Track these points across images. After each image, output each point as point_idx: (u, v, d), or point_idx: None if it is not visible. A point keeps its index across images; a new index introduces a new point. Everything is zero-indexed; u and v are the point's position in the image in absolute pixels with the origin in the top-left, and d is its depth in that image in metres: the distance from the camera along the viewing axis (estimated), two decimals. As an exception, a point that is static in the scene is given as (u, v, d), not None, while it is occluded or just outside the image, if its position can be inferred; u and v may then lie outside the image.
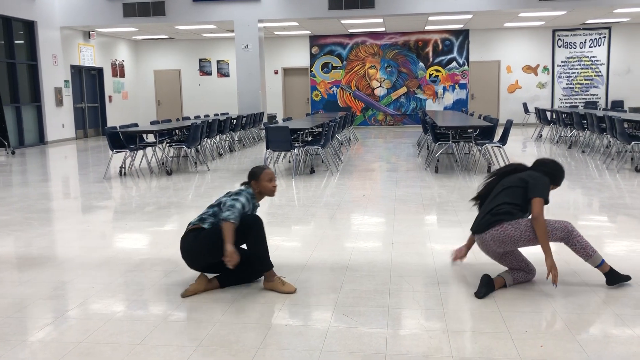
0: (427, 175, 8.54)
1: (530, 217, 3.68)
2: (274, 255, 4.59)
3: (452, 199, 6.73)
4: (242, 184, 3.93)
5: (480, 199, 4.01)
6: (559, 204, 6.42)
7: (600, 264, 3.68)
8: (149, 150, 11.89)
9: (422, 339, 3.02)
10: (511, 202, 3.72)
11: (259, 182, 3.88)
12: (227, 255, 3.55)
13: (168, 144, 10.19)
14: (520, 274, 3.79)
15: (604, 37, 18.50)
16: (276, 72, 20.09)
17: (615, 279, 3.72)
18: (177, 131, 10.90)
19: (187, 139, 9.84)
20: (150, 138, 11.08)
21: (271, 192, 3.91)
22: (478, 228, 3.79)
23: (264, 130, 11.18)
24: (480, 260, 4.34)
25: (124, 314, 3.42)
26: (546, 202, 3.65)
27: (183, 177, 8.92)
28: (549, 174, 3.81)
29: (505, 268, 3.93)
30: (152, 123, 11.82)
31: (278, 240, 5.03)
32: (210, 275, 3.92)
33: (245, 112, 15.40)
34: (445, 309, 3.41)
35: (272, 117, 18.06)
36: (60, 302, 3.64)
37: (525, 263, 3.81)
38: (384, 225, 5.58)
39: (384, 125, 19.66)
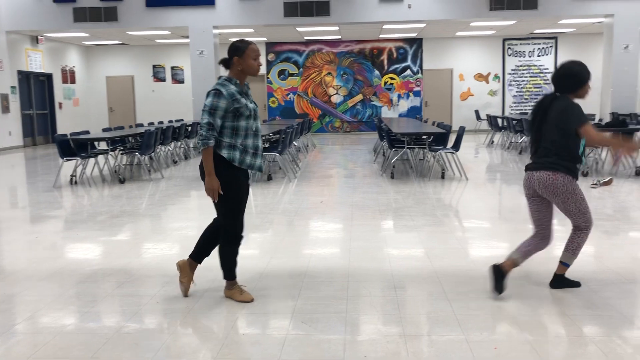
0: (384, 181, 8.63)
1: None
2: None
3: (408, 205, 6.82)
4: (220, 62, 3.58)
5: (535, 143, 3.79)
6: (510, 209, 6.58)
7: (566, 265, 3.80)
8: (101, 158, 11.60)
9: (379, 344, 3.04)
10: (557, 145, 3.61)
11: (242, 59, 3.48)
12: (205, 189, 3.45)
13: (121, 152, 9.97)
14: (531, 245, 3.75)
15: (551, 46, 19.16)
16: (232, 79, 19.95)
17: (562, 283, 3.84)
18: (130, 138, 10.68)
19: (140, 146, 9.65)
20: (103, 145, 10.82)
21: (255, 72, 3.55)
22: (530, 166, 3.72)
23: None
24: (434, 264, 4.40)
25: (75, 327, 3.31)
26: (587, 120, 3.54)
27: (136, 185, 8.74)
28: (570, 86, 3.67)
29: (511, 250, 3.90)
30: (104, 130, 11.54)
31: (235, 248, 4.98)
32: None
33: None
34: (402, 314, 3.44)
35: (228, 124, 17.88)
36: (7, 316, 3.50)
37: (548, 229, 3.76)
38: (342, 231, 5.61)
39: (341, 132, 19.79)
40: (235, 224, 3.59)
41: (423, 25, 15.74)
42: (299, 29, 16.13)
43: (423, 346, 3.00)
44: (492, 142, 14.81)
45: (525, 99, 19.42)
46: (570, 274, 3.98)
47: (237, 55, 3.48)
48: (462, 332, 3.16)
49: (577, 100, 3.69)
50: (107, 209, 6.94)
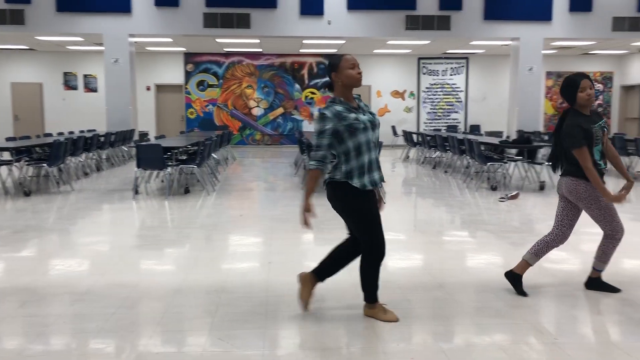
0: (301, 194, 8.66)
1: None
2: (146, 280, 4.37)
3: (327, 218, 6.87)
4: (323, 86, 3.42)
5: (557, 153, 4.03)
6: (425, 221, 6.79)
7: (598, 270, 4.12)
8: (4, 169, 10.88)
9: (298, 358, 3.02)
10: (571, 156, 3.85)
11: (339, 74, 3.34)
12: (300, 213, 3.31)
13: (26, 163, 9.40)
14: (542, 243, 4.01)
15: (463, 66, 20.10)
16: (148, 89, 19.41)
17: (597, 286, 4.15)
18: (37, 149, 10.10)
19: (48, 157, 9.14)
20: (6, 156, 10.15)
21: (357, 81, 3.35)
22: (562, 172, 3.97)
23: (134, 148, 10.70)
24: (353, 276, 4.45)
25: (-29, 352, 3.05)
26: (581, 144, 3.70)
27: (43, 199, 8.26)
28: (569, 96, 3.83)
29: (523, 253, 4.14)
30: (8, 139, 10.84)
31: (149, 264, 4.80)
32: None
33: (115, 129, 14.65)
34: (321, 328, 3.44)
35: (143, 135, 17.36)
36: None
37: (566, 229, 3.99)
38: (262, 245, 5.55)
39: (262, 145, 19.71)
40: (380, 240, 3.44)
41: (342, 41, 16.04)
42: (218, 40, 15.97)
43: (342, 359, 3.01)
44: (408, 156, 15.28)
45: (439, 115, 20.21)
46: (481, 283, 4.14)
47: (334, 71, 3.36)
48: (379, 343, 3.20)
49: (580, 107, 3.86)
50: (10, 223, 6.50)
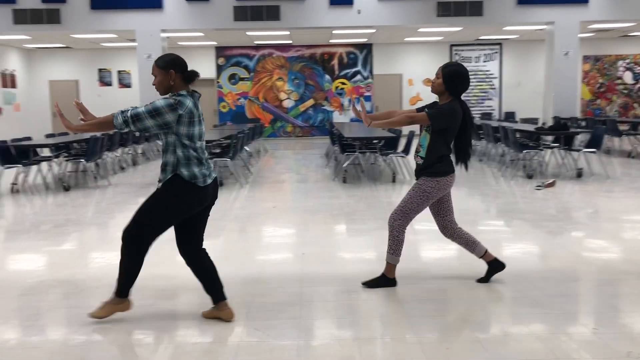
0: (336, 186, 8.67)
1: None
2: (183, 272, 4.45)
3: (360, 208, 6.87)
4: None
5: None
6: (460, 210, 6.72)
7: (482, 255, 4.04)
8: (44, 165, 11.19)
9: (333, 348, 3.03)
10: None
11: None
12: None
13: (65, 158, 9.64)
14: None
15: (496, 52, 19.73)
16: (181, 83, 19.65)
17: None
18: (75, 144, 10.34)
19: (86, 152, 9.36)
20: (46, 152, 10.43)
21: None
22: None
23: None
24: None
25: (18, 342, 3.17)
26: (435, 127, 3.79)
27: (82, 193, 8.47)
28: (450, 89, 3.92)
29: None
30: (47, 136, 11.14)
31: (186, 256, 4.89)
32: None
33: (150, 124, 14.90)
34: (355, 317, 3.45)
35: (178, 129, 17.60)
36: (-57, 333, 3.31)
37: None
38: (295, 236, 5.59)
39: (293, 137, 19.76)
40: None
41: (373, 30, 15.92)
42: (249, 33, 16.04)
43: (376, 349, 3.01)
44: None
45: (472, 103, 19.91)
46: (518, 272, 4.09)
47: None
48: (414, 334, 3.19)
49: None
50: (51, 217, 6.70)
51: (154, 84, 3.34)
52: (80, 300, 3.83)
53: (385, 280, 3.95)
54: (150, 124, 3.18)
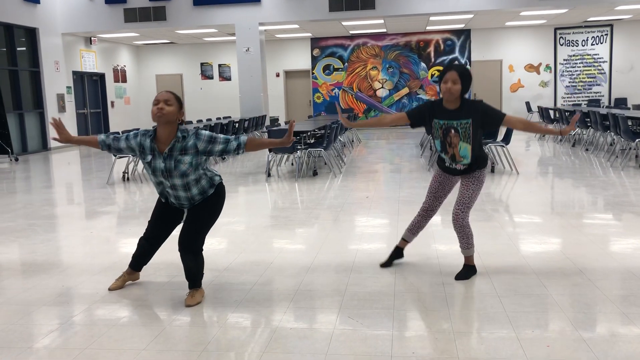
0: (430, 176, 8.52)
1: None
2: (279, 258, 4.58)
3: (449, 201, 6.70)
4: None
5: None
6: (564, 203, 6.38)
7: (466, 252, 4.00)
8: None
9: (428, 340, 3.00)
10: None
11: None
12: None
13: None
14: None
15: (606, 34, 18.44)
16: (278, 75, 20.10)
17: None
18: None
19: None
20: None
21: (153, 116, 3.60)
22: None
23: (266, 133, 11.17)
24: (484, 260, 4.32)
25: (129, 319, 3.41)
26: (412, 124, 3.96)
27: (186, 181, 8.90)
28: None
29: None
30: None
31: (281, 243, 5.02)
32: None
33: (248, 116, 15.40)
34: (451, 310, 3.39)
35: (274, 120, 18.05)
36: (65, 308, 3.63)
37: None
38: (388, 226, 5.57)
39: (387, 127, 19.63)
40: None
41: (471, 16, 15.41)
42: (344, 23, 16.07)
43: (473, 343, 2.95)
44: (544, 134, 14.39)
45: (578, 89, 18.79)
46: (627, 269, 3.83)
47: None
48: (513, 330, 3.09)
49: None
50: (146, 205, 7.10)
51: (164, 113, 3.61)
52: (184, 282, 4.03)
53: (471, 269, 4.00)
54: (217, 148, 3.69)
